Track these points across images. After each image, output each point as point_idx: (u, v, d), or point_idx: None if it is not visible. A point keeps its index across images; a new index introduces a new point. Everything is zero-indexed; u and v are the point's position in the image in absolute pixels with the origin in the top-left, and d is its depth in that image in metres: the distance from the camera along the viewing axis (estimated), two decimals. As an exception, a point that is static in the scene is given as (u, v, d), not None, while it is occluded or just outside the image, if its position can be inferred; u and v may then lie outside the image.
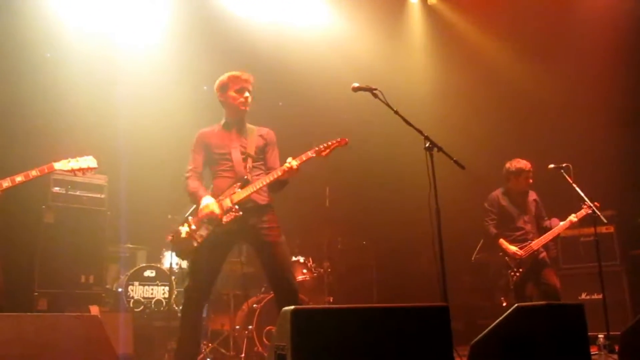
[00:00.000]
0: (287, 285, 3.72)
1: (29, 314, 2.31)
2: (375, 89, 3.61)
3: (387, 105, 3.58)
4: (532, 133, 7.11)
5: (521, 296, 5.16)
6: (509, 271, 5.25)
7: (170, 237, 3.81)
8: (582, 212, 5.18)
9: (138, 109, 6.65)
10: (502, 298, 5.47)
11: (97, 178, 5.94)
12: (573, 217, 5.23)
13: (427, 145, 3.53)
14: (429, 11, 7.67)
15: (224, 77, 3.95)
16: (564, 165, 5.12)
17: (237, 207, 3.67)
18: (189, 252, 3.70)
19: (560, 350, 2.73)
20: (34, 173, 3.35)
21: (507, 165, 5.46)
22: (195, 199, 3.77)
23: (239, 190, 3.72)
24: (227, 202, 3.70)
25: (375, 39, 7.31)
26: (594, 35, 6.87)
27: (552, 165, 5.19)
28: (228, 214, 3.67)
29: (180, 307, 6.36)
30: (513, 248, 5.26)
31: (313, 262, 6.12)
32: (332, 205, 6.53)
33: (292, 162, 3.64)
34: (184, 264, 6.73)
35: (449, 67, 7.45)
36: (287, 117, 6.74)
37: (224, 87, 3.94)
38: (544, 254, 5.31)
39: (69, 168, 3.48)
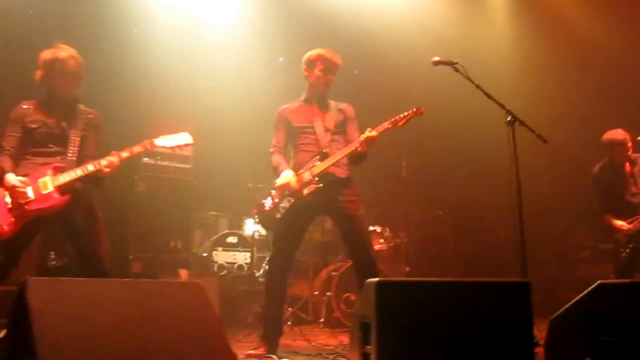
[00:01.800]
0: (365, 257, 3.82)
1: (141, 280, 2.52)
2: (456, 63, 3.58)
3: (469, 79, 3.56)
4: (619, 104, 6.79)
5: (629, 274, 4.88)
6: (619, 248, 5.01)
7: (255, 210, 3.97)
8: None
9: (220, 81, 6.87)
10: (613, 276, 5.23)
11: (184, 149, 6.22)
12: None
13: (508, 119, 3.49)
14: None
15: (313, 53, 3.99)
16: (654, 135, 4.88)
17: (316, 179, 3.76)
18: (273, 223, 3.84)
19: (644, 328, 2.70)
20: (137, 149, 3.56)
21: (603, 137, 5.19)
22: (277, 173, 3.89)
23: (319, 163, 3.80)
24: (307, 175, 3.79)
25: (454, 6, 7.16)
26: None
27: (640, 137, 4.97)
28: (308, 186, 3.76)
29: (260, 272, 6.75)
30: (619, 222, 5.01)
31: (390, 232, 6.22)
32: (409, 176, 6.57)
33: (371, 133, 3.68)
34: (264, 231, 7.01)
35: (531, 36, 7.18)
36: (363, 86, 6.77)
37: (311, 64, 3.99)
38: None
39: (169, 145, 3.67)
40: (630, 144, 5.10)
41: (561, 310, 2.94)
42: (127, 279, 2.30)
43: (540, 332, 3.22)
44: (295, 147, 4.01)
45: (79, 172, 3.47)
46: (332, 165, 3.79)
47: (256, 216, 4.11)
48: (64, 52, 3.62)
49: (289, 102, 4.12)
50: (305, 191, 3.77)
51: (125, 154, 3.52)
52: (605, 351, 2.71)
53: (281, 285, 3.92)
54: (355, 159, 3.87)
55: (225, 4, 6.92)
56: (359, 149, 3.72)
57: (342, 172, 3.90)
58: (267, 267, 3.97)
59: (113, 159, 3.48)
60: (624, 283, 2.83)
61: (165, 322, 2.15)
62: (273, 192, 3.89)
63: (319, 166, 3.79)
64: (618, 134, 5.13)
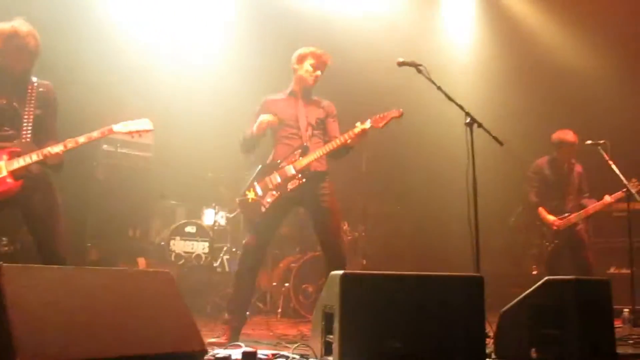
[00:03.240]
0: (337, 251, 3.93)
1: (113, 268, 2.53)
2: (420, 65, 3.69)
3: (431, 81, 3.67)
4: (573, 109, 7.07)
5: (553, 267, 5.18)
6: (544, 241, 5.31)
7: (238, 201, 4.00)
8: (618, 194, 5.14)
9: (184, 69, 6.83)
10: (534, 266, 5.53)
11: (144, 137, 6.17)
12: (607, 198, 5.22)
13: (467, 120, 3.63)
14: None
15: (306, 49, 4.08)
16: (601, 142, 5.05)
17: (299, 175, 3.84)
18: (256, 215, 3.88)
19: (585, 322, 2.90)
20: (95, 134, 3.51)
21: (553, 135, 5.47)
22: (252, 134, 3.92)
23: (301, 158, 3.87)
24: (290, 169, 3.86)
25: (416, 8, 7.32)
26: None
27: (589, 142, 5.17)
28: (292, 181, 3.84)
29: (218, 263, 6.77)
30: (551, 218, 5.29)
31: (348, 226, 6.34)
32: (368, 171, 6.69)
33: (364, 125, 3.77)
34: (223, 221, 7.02)
35: (492, 40, 7.43)
36: (328, 87, 6.85)
37: (302, 59, 4.07)
38: (580, 227, 5.33)
39: (127, 130, 3.62)
40: (575, 148, 5.37)
41: (511, 304, 3.12)
42: (101, 267, 2.33)
43: (488, 325, 3.39)
44: (275, 139, 4.06)
45: (33, 157, 3.39)
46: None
47: (239, 207, 4.10)
48: (24, 27, 3.49)
49: (274, 92, 4.16)
50: (289, 186, 3.84)
51: (82, 140, 3.47)
52: (550, 343, 2.89)
53: (253, 276, 3.98)
54: (340, 152, 3.96)
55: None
56: (350, 142, 3.81)
57: (321, 166, 4.00)
58: (241, 255, 3.99)
59: (69, 143, 3.44)
60: (569, 279, 3.02)
61: (140, 310, 2.19)
62: (255, 184, 3.91)
63: (301, 161, 3.86)
64: (569, 135, 5.41)
